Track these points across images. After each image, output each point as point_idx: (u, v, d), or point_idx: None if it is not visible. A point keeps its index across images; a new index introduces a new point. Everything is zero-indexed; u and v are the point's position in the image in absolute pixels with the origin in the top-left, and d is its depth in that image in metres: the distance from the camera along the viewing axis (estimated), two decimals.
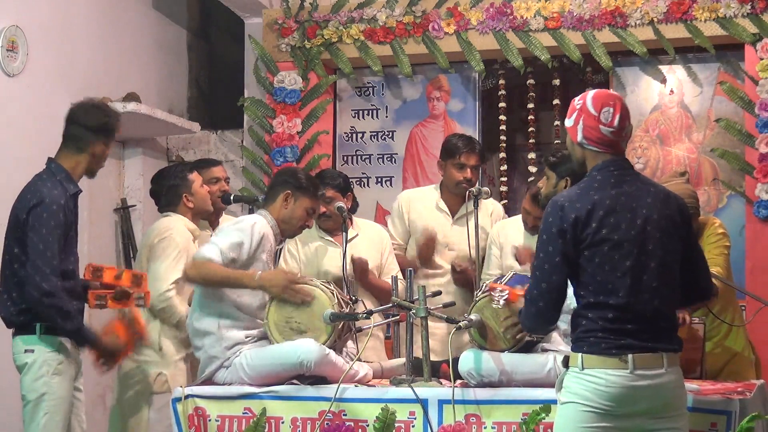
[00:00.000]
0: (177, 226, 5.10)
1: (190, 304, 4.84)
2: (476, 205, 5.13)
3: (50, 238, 4.16)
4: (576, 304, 3.57)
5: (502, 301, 4.12)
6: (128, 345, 4.48)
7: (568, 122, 3.62)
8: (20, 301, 4.22)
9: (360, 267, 5.19)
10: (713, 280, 3.89)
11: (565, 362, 3.55)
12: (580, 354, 3.46)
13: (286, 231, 4.73)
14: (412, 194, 5.70)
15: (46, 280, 4.12)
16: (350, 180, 5.53)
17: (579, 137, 3.58)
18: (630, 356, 3.41)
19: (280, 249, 5.48)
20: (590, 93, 3.62)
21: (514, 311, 4.09)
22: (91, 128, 4.35)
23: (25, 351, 4.22)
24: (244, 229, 4.50)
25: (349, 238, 5.13)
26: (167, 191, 5.21)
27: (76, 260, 4.37)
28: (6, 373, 5.07)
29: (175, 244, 5.02)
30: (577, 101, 3.61)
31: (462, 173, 5.36)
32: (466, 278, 5.26)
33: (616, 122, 3.55)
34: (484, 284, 4.53)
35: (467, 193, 5.17)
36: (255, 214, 4.68)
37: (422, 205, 5.55)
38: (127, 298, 4.52)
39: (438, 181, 5.68)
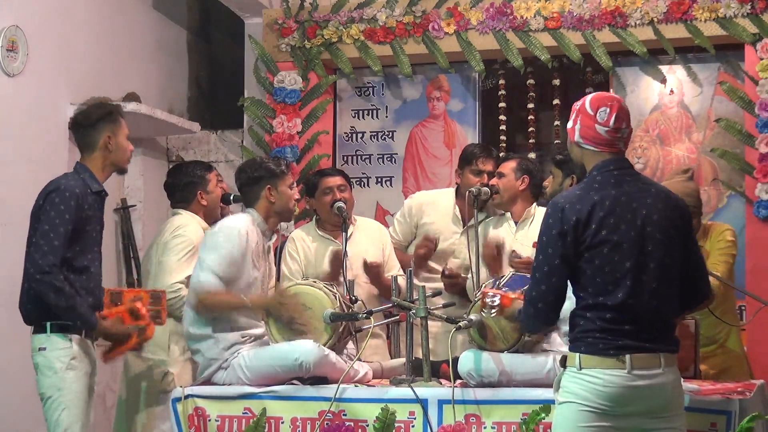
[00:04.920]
0: (191, 223, 5.13)
1: None
2: (476, 205, 5.12)
3: (57, 221, 4.18)
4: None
5: (494, 311, 4.06)
6: (132, 334, 4.45)
7: (569, 123, 3.65)
8: (35, 295, 4.23)
9: (374, 271, 5.19)
10: (712, 279, 3.88)
11: (563, 362, 3.55)
12: (577, 354, 3.46)
13: (284, 217, 4.78)
14: (427, 199, 5.62)
15: (43, 257, 4.14)
16: (350, 180, 5.54)
17: (576, 136, 3.60)
18: (628, 356, 3.41)
19: (281, 250, 5.49)
20: (589, 95, 3.65)
21: (508, 316, 4.06)
22: (90, 126, 4.40)
23: (39, 349, 4.24)
24: (230, 239, 4.48)
25: (348, 236, 5.13)
26: (183, 187, 5.25)
27: (95, 259, 4.37)
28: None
29: (189, 241, 5.04)
30: (577, 103, 3.64)
31: (479, 178, 5.32)
32: (457, 284, 5.21)
33: (611, 122, 3.56)
34: (483, 285, 4.53)
35: (467, 194, 5.16)
36: (240, 215, 4.64)
37: (437, 210, 5.50)
38: (142, 317, 4.52)
39: (438, 182, 5.69)
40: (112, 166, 4.47)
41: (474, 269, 4.95)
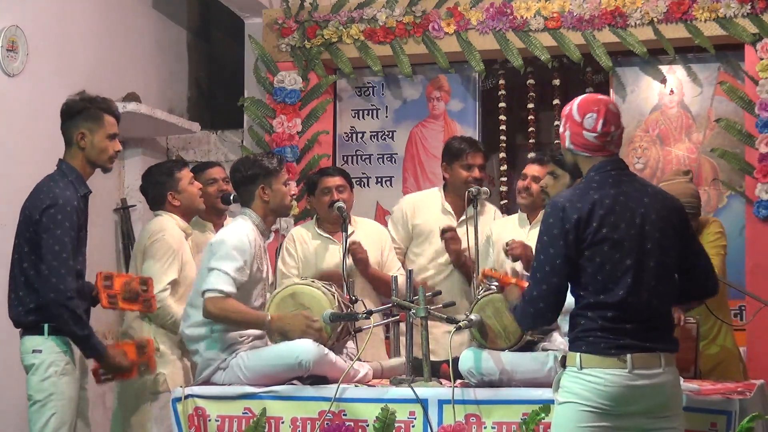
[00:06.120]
0: (168, 226, 5.07)
1: None
2: (476, 206, 5.13)
3: (65, 239, 4.15)
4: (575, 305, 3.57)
5: (493, 286, 4.13)
6: (133, 368, 4.46)
7: (561, 129, 3.66)
8: (28, 301, 4.22)
9: (358, 254, 5.18)
10: None
11: (562, 362, 3.55)
12: (578, 354, 3.47)
13: (281, 214, 4.76)
14: (416, 198, 5.68)
15: (63, 281, 4.11)
16: (351, 179, 5.54)
17: (567, 143, 3.62)
18: (629, 356, 3.41)
19: (279, 247, 5.49)
20: (577, 99, 3.65)
21: (507, 296, 4.07)
22: (68, 118, 4.35)
23: (33, 351, 4.21)
24: (243, 249, 4.43)
25: (348, 236, 5.12)
26: (153, 188, 5.20)
27: (84, 261, 4.37)
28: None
29: (167, 245, 5.00)
30: (566, 108, 3.66)
31: (470, 173, 5.36)
32: (456, 243, 5.26)
33: (599, 128, 3.56)
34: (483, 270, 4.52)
35: (467, 193, 5.17)
36: (241, 221, 4.58)
37: (427, 208, 5.53)
38: (136, 297, 4.53)
39: (438, 181, 5.69)
40: (92, 164, 4.38)
41: (474, 263, 4.98)
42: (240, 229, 4.52)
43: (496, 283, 4.18)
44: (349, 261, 5.16)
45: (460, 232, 5.31)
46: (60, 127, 4.40)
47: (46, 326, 4.20)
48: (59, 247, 4.14)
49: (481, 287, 4.39)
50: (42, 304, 4.17)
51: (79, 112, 4.34)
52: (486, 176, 5.44)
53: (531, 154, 6.60)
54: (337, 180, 5.32)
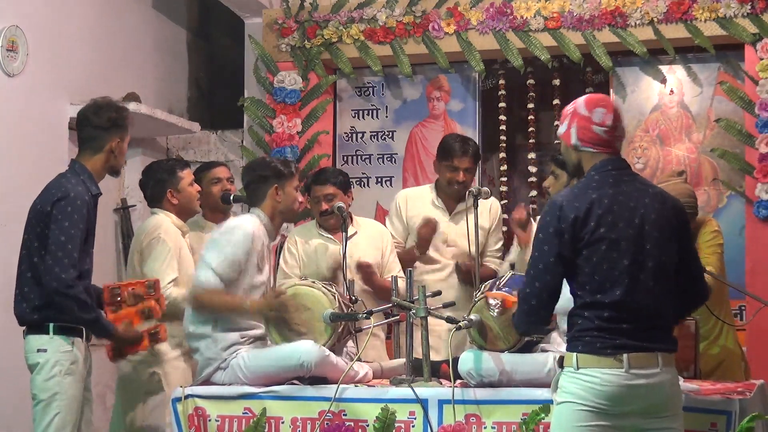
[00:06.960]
0: (164, 224, 5.07)
1: None
2: (476, 205, 5.12)
3: (72, 231, 4.19)
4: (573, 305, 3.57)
5: (497, 310, 4.11)
6: (144, 336, 4.49)
7: (561, 129, 3.66)
8: (33, 297, 4.24)
9: (365, 271, 5.19)
10: (707, 277, 3.89)
11: (560, 362, 3.55)
12: (575, 354, 3.47)
13: (289, 218, 4.78)
14: (409, 193, 5.71)
15: (65, 271, 4.14)
16: (350, 179, 5.53)
17: (573, 140, 3.61)
18: (625, 356, 3.41)
19: (281, 247, 5.49)
20: (581, 98, 3.66)
21: (510, 317, 4.07)
22: (102, 127, 4.38)
23: (38, 350, 4.23)
24: (236, 243, 4.45)
25: (349, 236, 5.12)
26: (153, 185, 5.20)
27: (91, 261, 4.39)
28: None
29: (165, 243, 5.00)
30: (568, 107, 3.66)
31: (454, 175, 5.37)
32: (471, 278, 5.26)
33: (608, 121, 3.58)
34: (483, 286, 4.53)
35: (467, 193, 5.17)
36: (247, 216, 4.61)
37: (420, 202, 5.56)
38: (141, 300, 4.54)
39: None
40: (110, 168, 4.46)
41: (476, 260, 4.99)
42: (244, 221, 4.55)
43: (500, 305, 4.17)
44: (349, 261, 5.15)
45: (453, 226, 5.38)
46: (85, 131, 4.41)
47: (51, 326, 4.22)
48: (65, 237, 4.17)
49: (481, 288, 4.38)
50: (47, 298, 4.19)
51: (117, 123, 4.41)
52: (469, 178, 5.40)
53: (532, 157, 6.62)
54: (326, 189, 5.27)
